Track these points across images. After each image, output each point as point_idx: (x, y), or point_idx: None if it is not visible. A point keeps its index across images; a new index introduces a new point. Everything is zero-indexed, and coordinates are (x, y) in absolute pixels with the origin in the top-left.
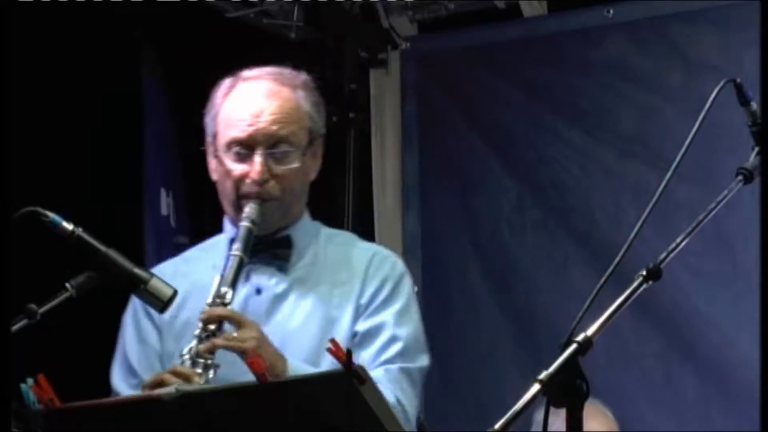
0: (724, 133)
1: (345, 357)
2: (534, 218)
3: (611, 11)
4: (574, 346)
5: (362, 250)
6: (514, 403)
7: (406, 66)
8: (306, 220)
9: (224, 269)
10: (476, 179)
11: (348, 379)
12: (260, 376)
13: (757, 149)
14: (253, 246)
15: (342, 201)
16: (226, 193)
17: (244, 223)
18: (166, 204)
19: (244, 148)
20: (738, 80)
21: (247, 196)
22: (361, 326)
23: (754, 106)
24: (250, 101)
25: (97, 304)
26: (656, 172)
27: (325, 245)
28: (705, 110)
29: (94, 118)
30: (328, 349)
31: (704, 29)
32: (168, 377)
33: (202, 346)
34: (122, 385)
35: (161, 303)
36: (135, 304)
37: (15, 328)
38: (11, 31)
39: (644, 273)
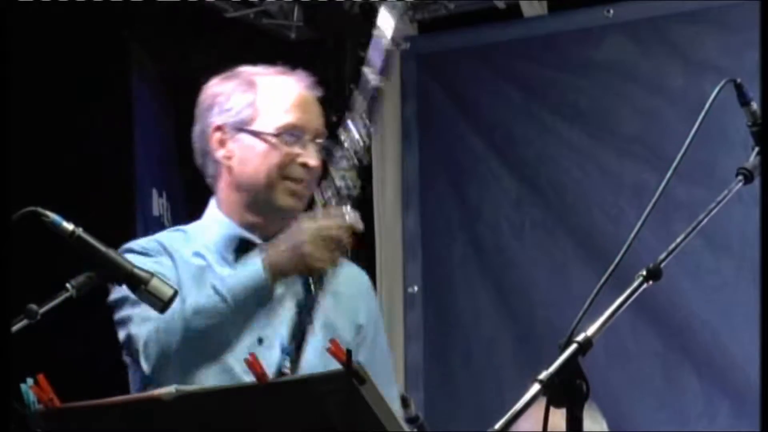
0: (724, 133)
1: (345, 357)
2: (534, 218)
3: (611, 11)
4: (574, 346)
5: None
6: (514, 403)
7: (406, 66)
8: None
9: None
10: (476, 179)
11: (348, 379)
12: (259, 377)
13: (757, 149)
14: (253, 246)
15: None
16: (260, 174)
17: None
18: (158, 205)
19: (297, 131)
20: (738, 80)
21: (294, 180)
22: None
23: (754, 106)
24: (297, 88)
25: (97, 304)
26: (656, 172)
27: None
28: (705, 110)
29: (83, 119)
30: (328, 349)
31: (704, 29)
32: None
33: None
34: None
35: (161, 303)
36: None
37: (15, 328)
38: (10, 32)
39: (644, 273)
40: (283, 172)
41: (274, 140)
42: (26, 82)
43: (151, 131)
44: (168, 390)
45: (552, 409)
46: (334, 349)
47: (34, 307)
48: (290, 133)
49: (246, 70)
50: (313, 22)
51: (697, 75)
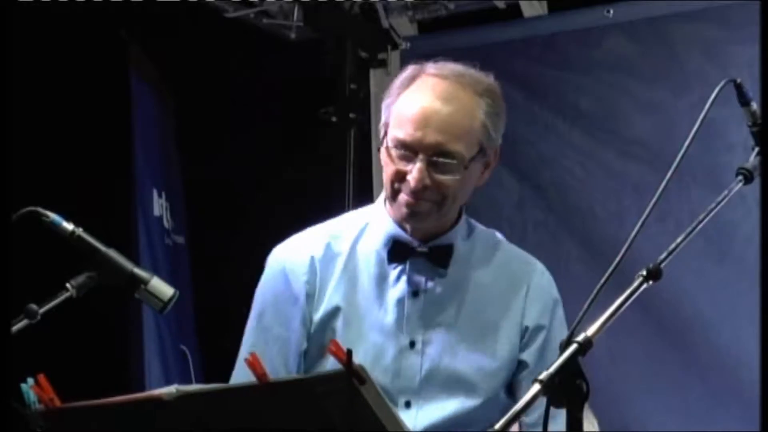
0: (724, 133)
1: (345, 357)
2: (535, 218)
3: (611, 11)
4: (574, 346)
5: (519, 259)
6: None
7: (406, 66)
8: (463, 224)
9: None
10: None
11: (348, 379)
12: (260, 377)
13: (757, 149)
14: (410, 250)
15: (342, 201)
16: (387, 181)
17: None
18: (158, 205)
19: (408, 150)
20: (738, 80)
21: (407, 196)
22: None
23: (754, 106)
24: (425, 102)
25: (97, 304)
26: (656, 172)
27: (476, 245)
28: (705, 110)
29: (82, 119)
30: (329, 349)
31: (704, 29)
32: None
33: None
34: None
35: (161, 303)
36: (285, 270)
37: (15, 328)
38: (10, 32)
39: (644, 273)
40: (395, 186)
41: (392, 152)
42: (25, 82)
43: (151, 131)
44: (168, 389)
45: None
46: (334, 349)
47: (34, 306)
48: (401, 148)
49: (413, 67)
50: (312, 22)
51: (697, 75)
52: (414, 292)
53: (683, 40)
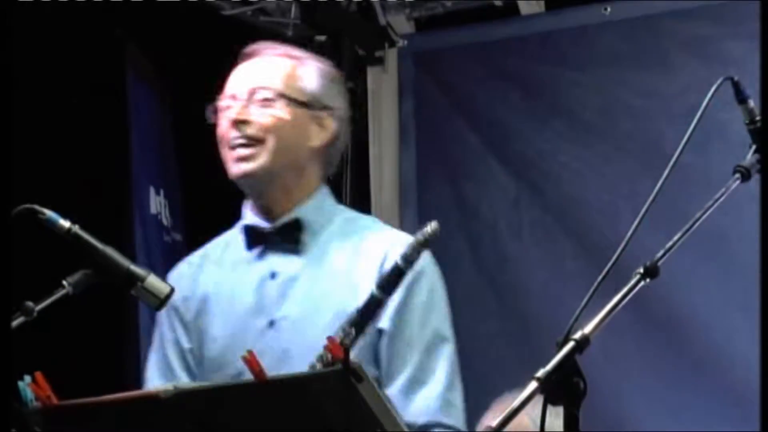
0: (721, 130)
1: (342, 355)
2: (531, 216)
3: (608, 9)
4: (571, 343)
5: (381, 232)
6: (505, 397)
7: (404, 64)
8: (319, 199)
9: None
10: (473, 177)
11: (346, 377)
12: (257, 374)
13: (754, 147)
14: (262, 233)
15: (339, 198)
16: (224, 161)
17: (396, 260)
18: (155, 202)
19: (229, 99)
20: (735, 78)
21: (233, 147)
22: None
23: (752, 103)
24: (244, 65)
25: (93, 302)
26: (653, 170)
27: (343, 226)
28: (702, 108)
29: (79, 117)
30: (326, 347)
31: (701, 27)
32: None
33: None
34: (159, 383)
35: (158, 300)
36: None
37: (12, 325)
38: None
39: (641, 271)
40: (224, 142)
41: (220, 116)
42: (21, 82)
43: (148, 129)
44: (165, 387)
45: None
46: (332, 346)
47: (30, 304)
48: (225, 103)
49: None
50: (309, 20)
51: (694, 73)
52: (272, 273)
53: (680, 37)
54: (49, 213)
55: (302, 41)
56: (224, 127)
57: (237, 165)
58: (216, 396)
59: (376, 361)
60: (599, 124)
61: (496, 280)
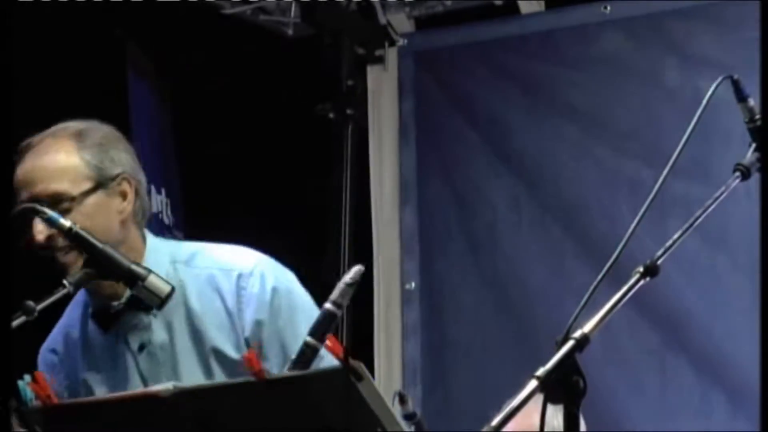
0: (721, 129)
1: (342, 354)
2: (531, 214)
3: (608, 7)
4: (571, 342)
5: (221, 269)
6: (512, 400)
7: (403, 62)
8: (150, 257)
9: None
10: (473, 175)
11: (346, 376)
12: (257, 373)
13: (754, 146)
14: (112, 313)
15: (339, 197)
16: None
17: (327, 306)
18: (157, 201)
19: (28, 203)
20: (735, 77)
21: (44, 256)
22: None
23: (752, 102)
24: (21, 166)
25: None
26: (653, 169)
27: (183, 269)
28: (702, 106)
29: (80, 117)
30: (326, 345)
31: (701, 26)
32: None
33: None
34: None
35: (159, 299)
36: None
37: (13, 324)
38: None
39: (641, 270)
40: (38, 252)
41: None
42: (22, 81)
43: (148, 128)
44: (166, 386)
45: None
46: (332, 345)
47: (31, 303)
48: (27, 206)
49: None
50: (309, 18)
51: (694, 71)
52: (140, 346)
53: (680, 36)
54: (50, 212)
55: (303, 41)
56: (32, 242)
57: (62, 272)
58: (216, 395)
59: None
60: (599, 122)
61: (495, 278)
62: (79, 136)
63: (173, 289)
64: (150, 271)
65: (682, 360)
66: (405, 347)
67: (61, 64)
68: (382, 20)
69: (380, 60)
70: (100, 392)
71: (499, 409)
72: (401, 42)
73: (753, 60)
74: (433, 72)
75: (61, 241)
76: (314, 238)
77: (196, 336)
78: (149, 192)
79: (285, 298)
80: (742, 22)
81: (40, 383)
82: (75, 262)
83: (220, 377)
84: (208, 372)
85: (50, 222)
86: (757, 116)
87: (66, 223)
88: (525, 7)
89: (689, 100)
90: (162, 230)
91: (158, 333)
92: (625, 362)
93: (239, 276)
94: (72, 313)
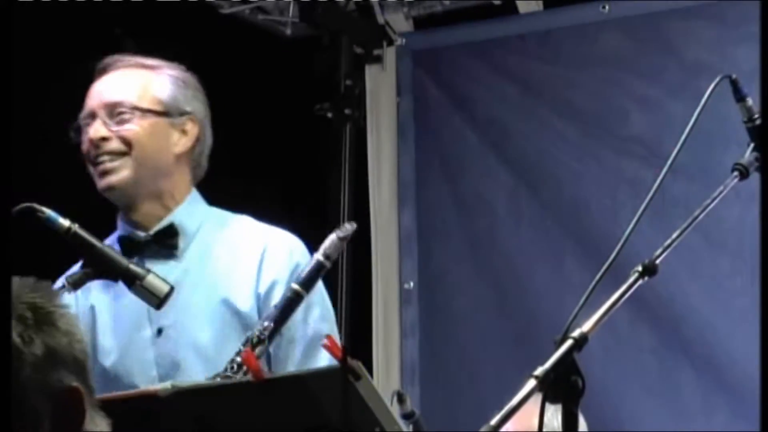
0: (719, 129)
1: (341, 353)
2: (530, 214)
3: (607, 7)
4: (569, 341)
5: (256, 230)
6: (511, 399)
7: (402, 62)
8: (191, 203)
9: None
10: (472, 175)
11: (344, 375)
12: (255, 373)
13: (752, 145)
14: (137, 242)
15: (337, 196)
16: (93, 178)
17: (318, 256)
18: None
19: (89, 117)
20: (734, 76)
21: (95, 163)
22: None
23: (750, 102)
24: (100, 80)
25: None
26: (652, 168)
27: (218, 227)
28: (701, 106)
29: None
30: (324, 345)
31: (700, 26)
32: None
33: None
34: None
35: (157, 299)
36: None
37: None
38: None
39: (640, 269)
40: (88, 160)
41: (80, 135)
42: (19, 80)
43: None
44: (164, 385)
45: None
46: (330, 345)
47: None
48: (85, 122)
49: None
50: (308, 18)
51: (693, 71)
52: None
53: (679, 36)
54: (48, 212)
55: (301, 40)
56: (86, 146)
57: (102, 179)
58: (214, 394)
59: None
60: (598, 122)
61: (494, 277)
62: (168, 68)
63: (172, 288)
64: (149, 270)
65: (683, 360)
66: (403, 347)
67: (59, 63)
68: (381, 20)
69: (378, 60)
70: (102, 320)
71: (498, 409)
72: (400, 41)
73: (752, 60)
74: (431, 71)
75: (114, 145)
76: (312, 237)
77: (210, 284)
78: None
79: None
80: (741, 22)
81: None
82: (121, 170)
83: (221, 326)
84: (211, 320)
85: (49, 221)
86: (756, 116)
87: (65, 223)
88: (523, 7)
89: (689, 100)
90: None
91: (174, 272)
92: (626, 362)
93: (269, 242)
94: (109, 239)
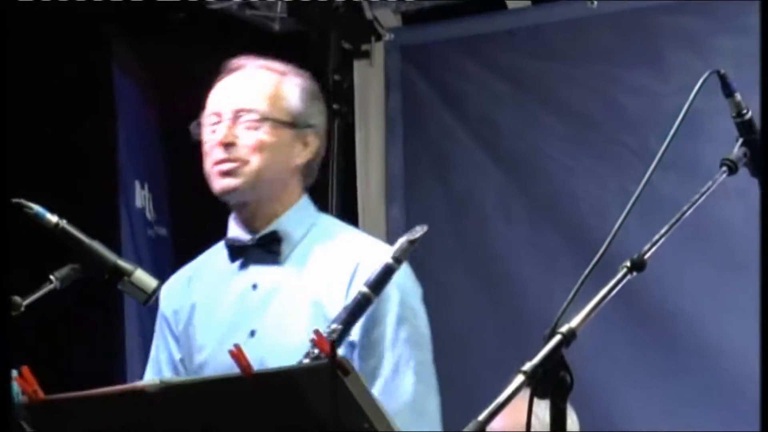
0: (708, 124)
1: (329, 349)
2: (519, 210)
3: (595, 2)
4: (558, 337)
5: (357, 241)
6: (500, 395)
7: (390, 57)
8: (299, 210)
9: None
10: (461, 171)
11: (332, 371)
12: (244, 368)
13: (741, 140)
14: (244, 245)
15: (326, 192)
16: (208, 176)
17: (387, 259)
18: (141, 196)
19: (214, 116)
20: (722, 71)
21: (218, 162)
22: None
23: (738, 97)
24: (227, 80)
25: (80, 296)
26: (641, 164)
27: (321, 236)
28: (689, 102)
29: (66, 112)
30: (312, 340)
31: (688, 21)
32: None
33: None
34: None
35: (145, 295)
36: (161, 310)
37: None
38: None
39: (628, 264)
40: (209, 159)
41: (204, 132)
42: (8, 77)
43: (134, 123)
44: (152, 381)
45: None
46: (318, 340)
47: (17, 299)
48: (209, 118)
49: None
50: (296, 13)
51: (682, 66)
52: (253, 284)
53: (668, 31)
54: (36, 207)
55: (289, 36)
56: (209, 146)
57: (221, 180)
58: (203, 390)
59: None
60: (588, 118)
61: (485, 274)
62: (294, 75)
63: (159, 284)
64: (137, 266)
65: (674, 357)
66: None
67: (48, 60)
68: (369, 15)
69: (367, 55)
70: (199, 319)
71: (486, 405)
72: (388, 37)
73: (740, 55)
74: (419, 67)
75: (240, 152)
76: None
77: (305, 292)
78: (134, 188)
79: (399, 292)
80: (729, 17)
81: (27, 378)
82: (240, 175)
83: (310, 332)
84: (303, 326)
85: (37, 216)
86: (744, 110)
87: (53, 218)
88: (512, 2)
89: (677, 95)
90: (144, 226)
91: (274, 277)
92: (621, 361)
93: (363, 257)
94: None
